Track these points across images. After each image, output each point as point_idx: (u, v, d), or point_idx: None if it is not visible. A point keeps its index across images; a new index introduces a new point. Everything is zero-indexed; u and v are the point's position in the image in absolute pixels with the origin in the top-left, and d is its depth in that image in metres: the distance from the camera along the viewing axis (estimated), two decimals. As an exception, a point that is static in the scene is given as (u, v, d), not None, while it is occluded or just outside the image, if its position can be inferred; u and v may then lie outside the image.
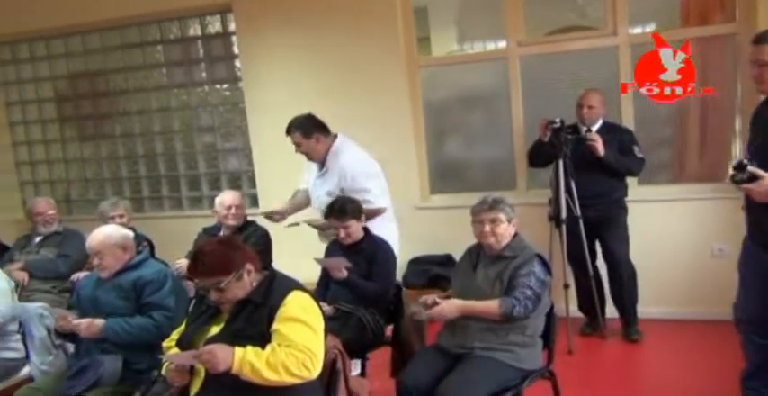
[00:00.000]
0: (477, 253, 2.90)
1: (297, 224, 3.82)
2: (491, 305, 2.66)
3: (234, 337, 2.18)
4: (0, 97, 6.22)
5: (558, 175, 4.08)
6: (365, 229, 3.42)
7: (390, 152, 4.88)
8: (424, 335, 3.29)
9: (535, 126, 4.26)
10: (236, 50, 5.46)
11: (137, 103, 5.90)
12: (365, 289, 3.24)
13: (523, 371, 2.68)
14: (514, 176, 4.87)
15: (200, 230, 4.26)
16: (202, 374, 2.22)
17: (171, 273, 3.15)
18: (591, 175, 4.06)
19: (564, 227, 4.05)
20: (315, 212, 3.92)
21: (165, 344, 2.46)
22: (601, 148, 3.98)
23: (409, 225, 4.77)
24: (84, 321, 2.83)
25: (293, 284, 2.32)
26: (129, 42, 5.79)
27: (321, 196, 3.75)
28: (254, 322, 2.21)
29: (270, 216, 3.92)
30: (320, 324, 2.26)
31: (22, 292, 4.17)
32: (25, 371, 3.44)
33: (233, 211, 4.03)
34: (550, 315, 2.83)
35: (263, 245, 3.89)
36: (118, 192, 5.97)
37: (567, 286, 4.07)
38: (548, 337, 2.82)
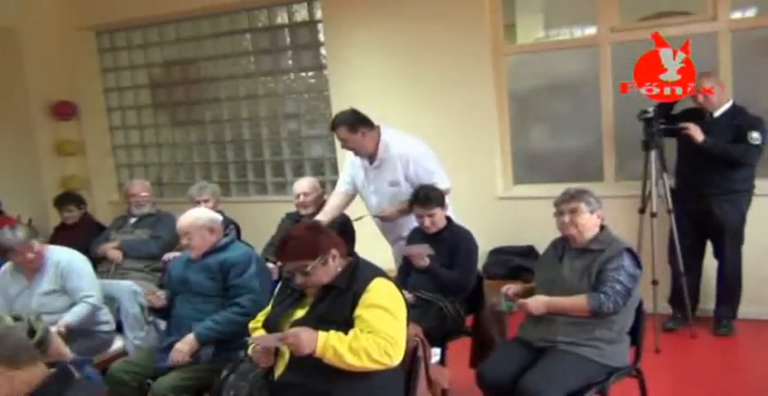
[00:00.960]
0: (563, 245, 2.83)
1: (361, 217, 3.90)
2: (579, 301, 2.60)
3: (318, 321, 2.22)
4: (99, 84, 6.53)
5: (648, 167, 3.94)
6: (447, 218, 3.40)
7: (473, 141, 4.86)
8: (505, 326, 3.25)
9: (626, 116, 4.12)
10: (321, 38, 5.52)
11: (226, 90, 6.07)
12: (447, 278, 3.22)
13: (609, 368, 2.60)
14: (602, 167, 4.72)
15: (284, 215, 4.35)
16: (287, 357, 2.27)
17: (255, 255, 3.23)
18: (698, 164, 3.90)
19: (654, 220, 3.91)
20: (368, 209, 3.91)
21: (251, 325, 2.53)
22: (697, 135, 3.81)
23: (491, 215, 4.75)
24: (177, 350, 2.88)
25: (377, 271, 2.33)
26: (220, 31, 5.95)
27: (381, 187, 3.74)
28: (337, 307, 2.24)
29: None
30: (403, 312, 2.27)
31: (117, 270, 4.38)
32: (119, 344, 3.62)
33: (301, 198, 4.06)
34: (639, 311, 2.74)
35: (345, 231, 3.93)
36: (206, 176, 6.17)
37: (655, 282, 3.92)
38: (636, 333, 2.73)
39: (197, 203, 4.38)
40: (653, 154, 3.92)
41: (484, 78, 4.84)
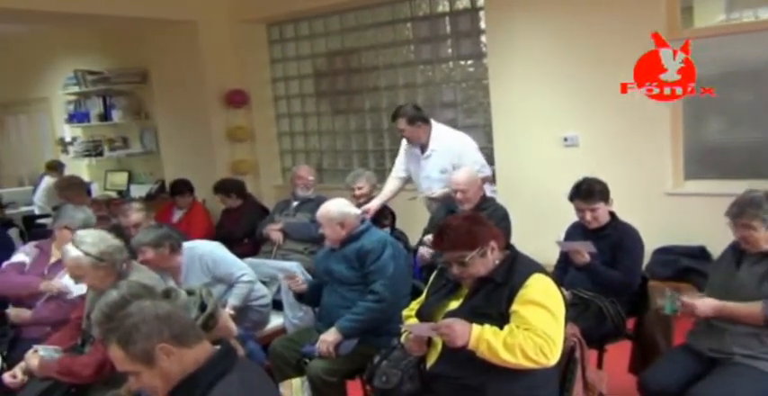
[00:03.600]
0: (743, 248, 2.58)
1: (415, 198, 4.46)
2: (753, 308, 2.38)
3: (472, 313, 2.19)
4: (268, 74, 6.88)
5: None
6: (612, 214, 3.22)
7: (642, 133, 4.57)
8: (671, 331, 3.04)
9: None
10: (482, 26, 5.42)
11: (385, 79, 6.15)
12: (608, 277, 3.05)
13: (795, 386, 2.35)
14: (788, 164, 4.27)
15: (439, 204, 4.34)
16: (439, 348, 2.26)
17: (390, 239, 3.23)
18: None
19: None
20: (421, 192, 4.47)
21: (404, 313, 2.55)
22: None
23: (658, 212, 4.45)
24: (322, 341, 2.95)
25: (536, 267, 2.26)
26: (381, 20, 6.03)
27: (431, 175, 4.31)
28: (493, 301, 2.20)
29: None
30: (561, 310, 2.18)
31: (278, 251, 4.60)
32: (279, 322, 3.78)
33: (459, 195, 3.98)
34: (833, 326, 2.44)
35: (504, 224, 3.84)
36: (363, 163, 6.31)
37: None
38: (828, 350, 2.43)
39: (352, 191, 4.50)
40: None
41: (656, 66, 4.52)
